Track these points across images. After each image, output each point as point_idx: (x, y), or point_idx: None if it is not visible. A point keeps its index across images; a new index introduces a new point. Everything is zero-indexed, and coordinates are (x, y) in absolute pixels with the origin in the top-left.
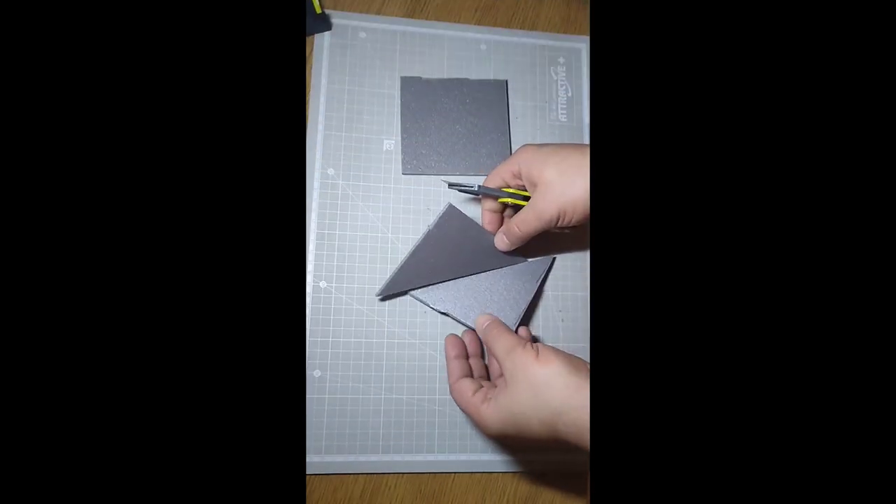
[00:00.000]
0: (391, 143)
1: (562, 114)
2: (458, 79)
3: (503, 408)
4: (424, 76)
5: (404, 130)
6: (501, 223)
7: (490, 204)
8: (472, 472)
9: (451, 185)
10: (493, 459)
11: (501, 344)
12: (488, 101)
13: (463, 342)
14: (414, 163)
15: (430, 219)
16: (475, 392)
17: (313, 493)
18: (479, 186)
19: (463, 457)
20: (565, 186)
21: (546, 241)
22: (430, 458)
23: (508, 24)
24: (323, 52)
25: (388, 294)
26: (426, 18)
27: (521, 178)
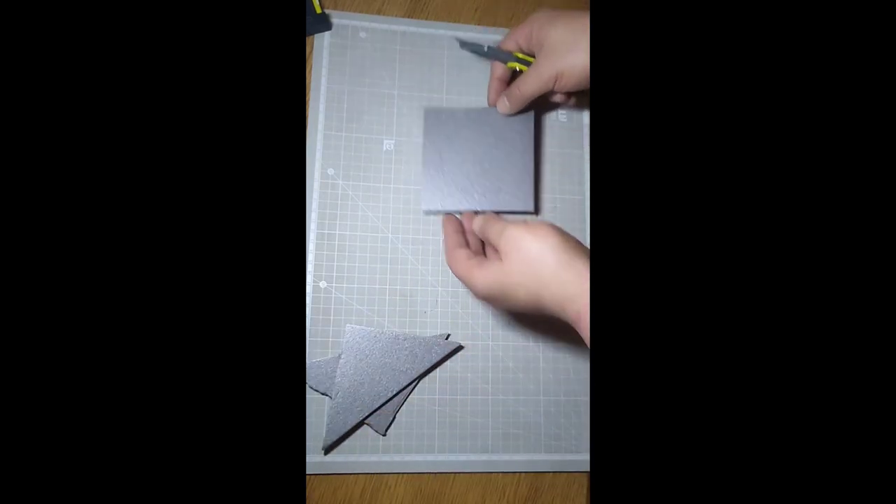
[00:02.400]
0: (391, 143)
1: (561, 114)
2: (482, 109)
3: (494, 274)
4: (447, 103)
5: (427, 163)
6: None
7: (499, 71)
8: (472, 472)
9: (462, 44)
10: (493, 459)
11: (494, 227)
12: (513, 134)
13: (460, 222)
14: (435, 199)
15: (431, 218)
16: (469, 258)
17: (313, 493)
18: (489, 48)
19: (463, 457)
20: (568, 50)
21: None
22: (430, 458)
23: (508, 24)
24: (323, 52)
25: (332, 443)
26: (426, 18)
27: (533, 41)
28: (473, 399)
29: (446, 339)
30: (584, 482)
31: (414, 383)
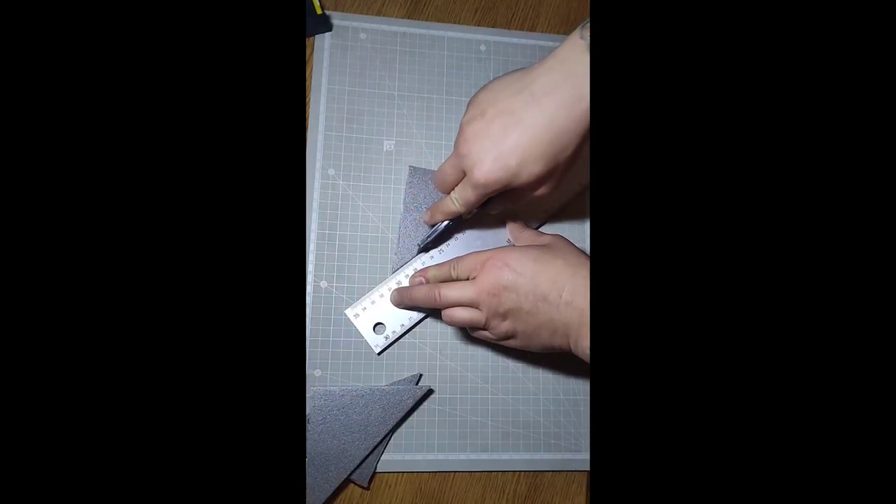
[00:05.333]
0: (391, 143)
1: None
2: None
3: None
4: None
5: (405, 219)
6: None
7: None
8: (472, 472)
9: (420, 251)
10: (492, 458)
11: (468, 263)
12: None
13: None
14: (405, 255)
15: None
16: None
17: None
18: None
19: (463, 456)
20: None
21: None
22: (430, 457)
23: (508, 24)
24: (323, 52)
25: None
26: (426, 19)
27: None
28: (473, 398)
29: (417, 382)
30: (584, 481)
31: (389, 434)
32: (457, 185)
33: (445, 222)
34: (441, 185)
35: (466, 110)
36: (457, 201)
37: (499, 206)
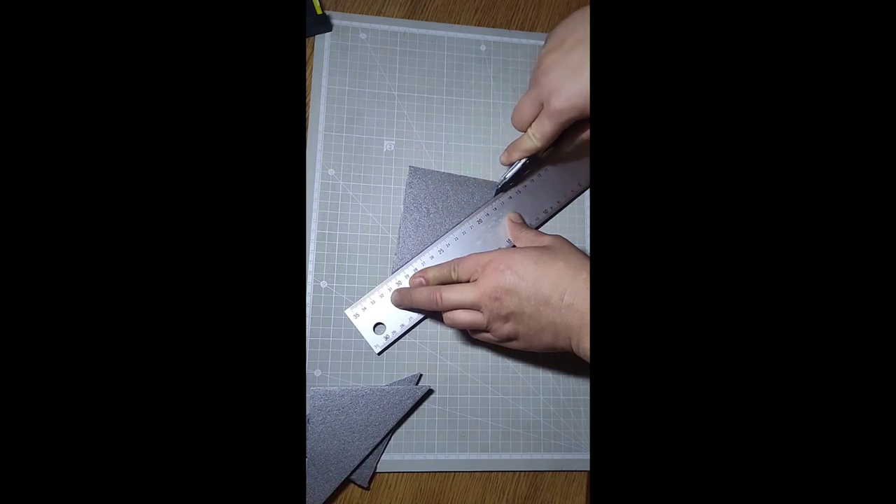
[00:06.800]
0: (391, 143)
1: None
2: (465, 177)
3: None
4: (433, 167)
5: (405, 219)
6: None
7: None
8: (472, 472)
9: (498, 191)
10: (492, 458)
11: (469, 265)
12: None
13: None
14: (405, 255)
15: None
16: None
17: None
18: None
19: (463, 456)
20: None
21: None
22: (430, 457)
23: (508, 24)
24: (323, 53)
25: None
26: (426, 19)
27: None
28: (473, 398)
29: (417, 382)
30: (584, 481)
31: (389, 434)
32: (533, 120)
33: (522, 161)
34: (518, 121)
35: (545, 44)
36: (534, 136)
37: (571, 142)
